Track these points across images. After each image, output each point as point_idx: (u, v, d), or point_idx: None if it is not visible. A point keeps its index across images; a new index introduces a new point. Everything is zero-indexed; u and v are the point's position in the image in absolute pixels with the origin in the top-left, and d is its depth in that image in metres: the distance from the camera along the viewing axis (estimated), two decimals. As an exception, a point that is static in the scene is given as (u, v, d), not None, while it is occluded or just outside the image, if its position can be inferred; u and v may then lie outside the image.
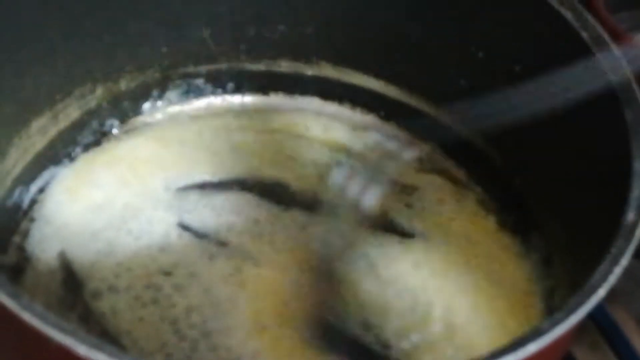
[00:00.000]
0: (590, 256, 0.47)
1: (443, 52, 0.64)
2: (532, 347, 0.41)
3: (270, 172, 0.65)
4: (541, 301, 0.59)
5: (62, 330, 0.39)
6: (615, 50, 0.54)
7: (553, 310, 0.56)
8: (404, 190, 0.65)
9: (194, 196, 0.63)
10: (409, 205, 0.64)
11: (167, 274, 0.59)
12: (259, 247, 0.61)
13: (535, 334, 0.42)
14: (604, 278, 0.44)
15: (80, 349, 0.39)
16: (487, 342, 0.57)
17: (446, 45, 0.64)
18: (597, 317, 0.64)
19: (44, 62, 0.60)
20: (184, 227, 0.62)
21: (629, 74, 0.52)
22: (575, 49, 0.55)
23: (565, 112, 0.53)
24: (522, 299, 0.59)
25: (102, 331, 0.56)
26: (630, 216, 0.47)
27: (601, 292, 0.44)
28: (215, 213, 0.63)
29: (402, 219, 0.63)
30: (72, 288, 0.58)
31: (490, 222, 0.64)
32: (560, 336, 0.43)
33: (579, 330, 0.60)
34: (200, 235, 0.61)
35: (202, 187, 0.64)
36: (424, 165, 0.67)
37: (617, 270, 0.45)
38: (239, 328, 0.56)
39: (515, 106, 0.61)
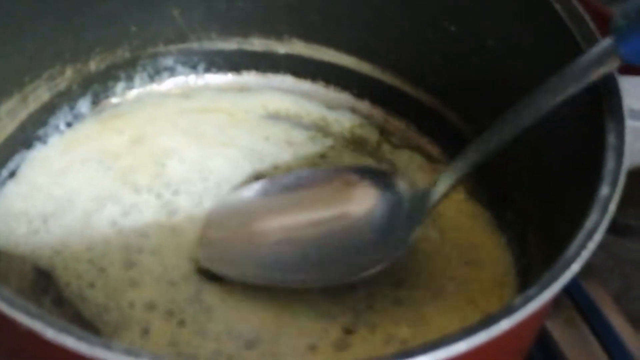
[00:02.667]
0: (565, 232, 0.46)
1: (415, 27, 0.63)
2: (505, 324, 0.41)
3: (244, 153, 0.65)
4: (516, 278, 0.58)
5: (29, 314, 0.39)
6: (590, 22, 0.54)
7: (527, 287, 0.55)
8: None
9: (168, 177, 0.63)
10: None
11: (144, 256, 0.59)
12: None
13: (507, 310, 0.41)
14: (577, 253, 0.44)
15: (48, 332, 0.39)
16: (458, 320, 0.56)
17: (418, 20, 0.63)
18: (574, 294, 0.64)
19: (12, 44, 0.59)
20: (162, 211, 0.61)
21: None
22: (548, 22, 0.55)
23: (540, 85, 0.52)
24: (496, 275, 0.59)
25: (75, 315, 0.55)
26: (605, 190, 0.46)
27: (575, 268, 0.43)
28: (195, 196, 0.62)
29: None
30: (44, 272, 0.57)
31: (464, 198, 0.63)
32: (534, 312, 0.42)
33: (555, 306, 0.60)
34: (180, 218, 0.61)
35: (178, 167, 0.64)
36: (398, 142, 0.67)
37: (591, 246, 0.44)
38: (219, 312, 0.56)
39: (490, 81, 0.61)
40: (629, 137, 0.49)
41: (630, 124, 0.50)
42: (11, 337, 0.42)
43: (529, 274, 0.57)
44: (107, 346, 0.38)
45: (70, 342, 0.38)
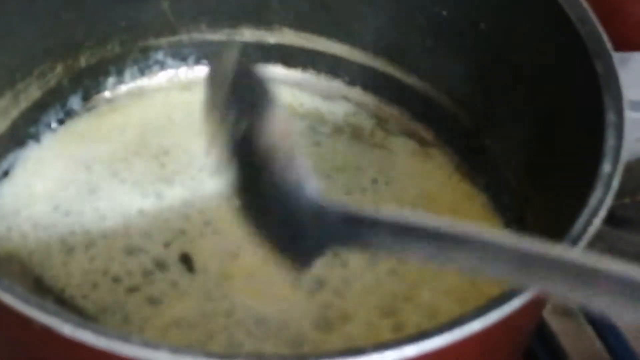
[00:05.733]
0: (564, 213, 0.47)
1: (406, 12, 0.63)
2: (517, 302, 0.41)
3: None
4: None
5: (45, 311, 0.39)
6: (583, 1, 0.54)
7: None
8: (374, 153, 0.65)
9: (167, 172, 0.63)
10: (380, 169, 0.64)
11: (135, 252, 0.58)
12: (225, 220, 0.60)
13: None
14: (583, 230, 0.44)
15: (65, 328, 0.38)
16: (457, 302, 0.57)
17: (409, 4, 0.63)
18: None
19: (2, 43, 0.59)
20: (162, 208, 0.61)
21: (597, 25, 0.52)
22: (541, 2, 0.55)
23: (534, 67, 0.52)
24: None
25: (79, 312, 0.55)
26: (607, 167, 0.46)
27: (582, 245, 0.44)
28: (195, 189, 0.62)
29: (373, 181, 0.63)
30: (41, 274, 0.57)
31: (461, 183, 0.63)
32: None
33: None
34: (180, 213, 0.61)
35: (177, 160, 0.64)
36: (392, 129, 0.67)
37: (597, 222, 0.44)
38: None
39: (483, 64, 0.61)
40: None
41: (628, 115, 0.49)
42: (26, 334, 0.42)
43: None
44: (126, 339, 0.38)
45: (87, 337, 0.38)
